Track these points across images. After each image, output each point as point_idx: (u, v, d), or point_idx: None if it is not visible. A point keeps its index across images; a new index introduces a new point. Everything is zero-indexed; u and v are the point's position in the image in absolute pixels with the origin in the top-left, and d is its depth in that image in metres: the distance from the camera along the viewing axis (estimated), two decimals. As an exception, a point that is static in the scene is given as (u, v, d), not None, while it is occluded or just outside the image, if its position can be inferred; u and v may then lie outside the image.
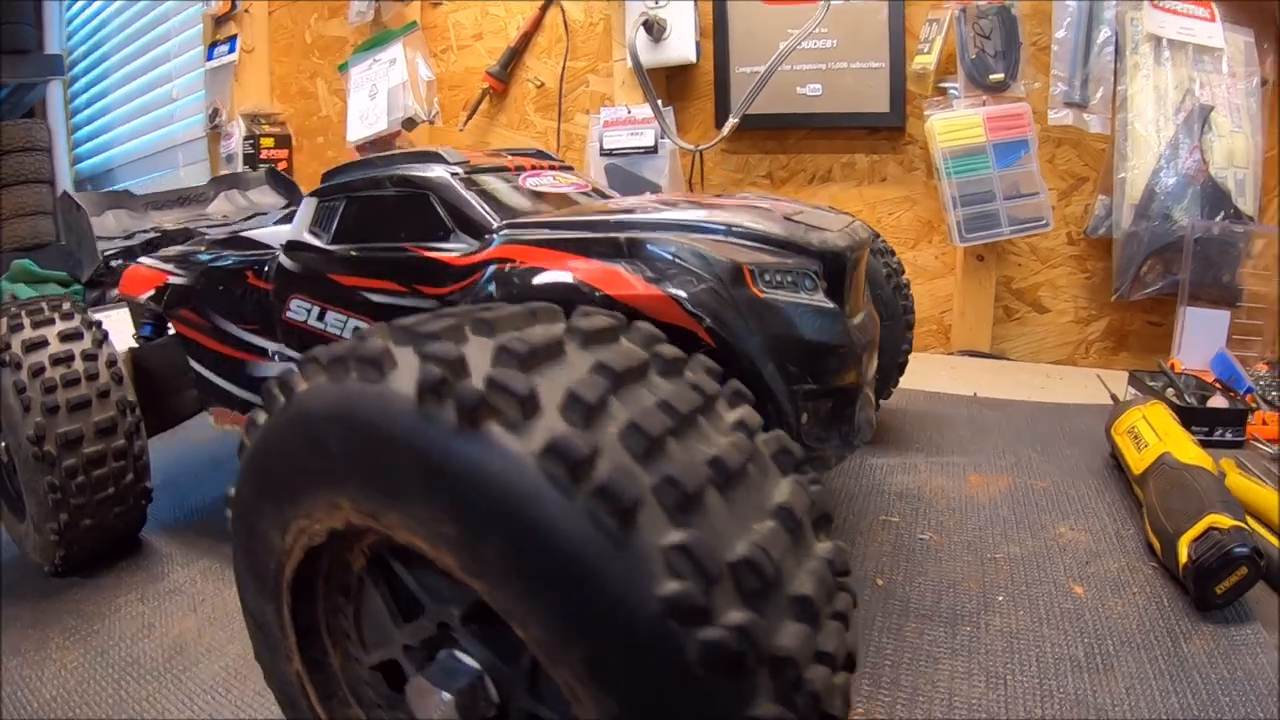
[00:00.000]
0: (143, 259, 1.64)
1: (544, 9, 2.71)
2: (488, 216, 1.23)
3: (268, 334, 1.41)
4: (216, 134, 2.99)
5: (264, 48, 3.03)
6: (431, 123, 2.79)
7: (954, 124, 2.06)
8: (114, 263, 1.80)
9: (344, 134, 3.06)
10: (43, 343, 1.35)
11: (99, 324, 1.42)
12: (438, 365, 0.50)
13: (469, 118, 2.82)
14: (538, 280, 1.08)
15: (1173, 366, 1.95)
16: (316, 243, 1.36)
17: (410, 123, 2.75)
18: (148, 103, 3.52)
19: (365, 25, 2.84)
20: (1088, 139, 2.15)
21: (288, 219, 1.85)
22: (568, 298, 1.04)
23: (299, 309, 1.35)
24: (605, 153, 2.47)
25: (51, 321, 1.40)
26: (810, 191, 2.49)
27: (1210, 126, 1.99)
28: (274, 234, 1.49)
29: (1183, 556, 1.14)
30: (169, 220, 1.96)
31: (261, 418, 0.65)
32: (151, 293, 1.56)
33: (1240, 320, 1.99)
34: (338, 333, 1.30)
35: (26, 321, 1.38)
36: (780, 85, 2.34)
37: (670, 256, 1.03)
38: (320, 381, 0.58)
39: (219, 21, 2.96)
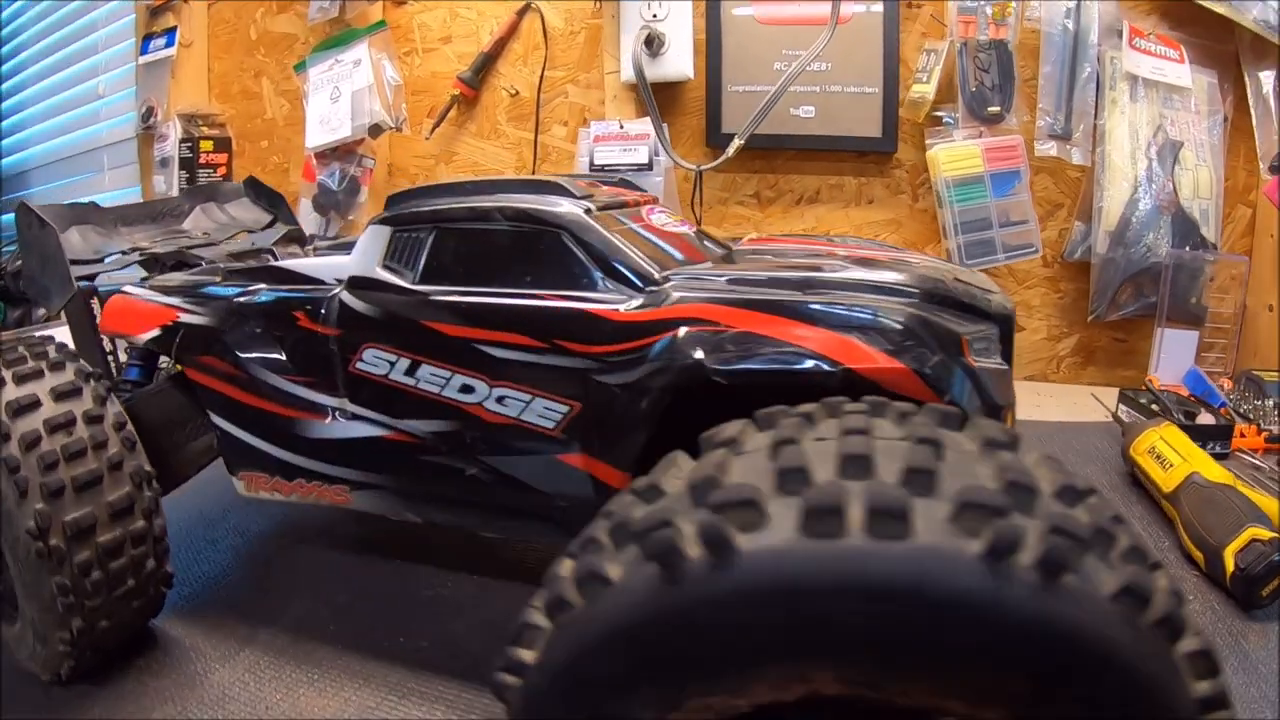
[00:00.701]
0: (130, 289, 1.42)
1: (521, 14, 2.62)
2: (645, 265, 1.13)
3: (324, 388, 1.25)
4: (149, 135, 2.72)
5: (203, 43, 2.78)
6: (399, 130, 2.65)
7: (956, 153, 2.15)
8: (100, 289, 1.60)
9: (291, 138, 2.87)
10: (33, 404, 1.10)
11: (98, 374, 1.22)
12: (991, 517, 0.47)
13: (436, 125, 2.69)
14: (765, 349, 0.98)
15: (1151, 383, 2.12)
16: (397, 281, 1.21)
17: (376, 129, 2.60)
18: (70, 99, 3.14)
19: (325, 23, 2.66)
20: (1064, 168, 2.29)
21: (342, 247, 1.69)
22: (804, 371, 0.99)
23: (376, 361, 1.20)
24: (596, 169, 2.42)
25: (39, 374, 1.15)
26: (798, 212, 2.53)
27: (1179, 161, 2.16)
28: (322, 266, 1.32)
29: (1229, 566, 1.31)
30: (143, 238, 1.74)
31: (611, 573, 0.55)
32: (155, 333, 1.34)
33: (1205, 340, 2.18)
34: (435, 390, 1.16)
35: (6, 376, 1.12)
36: (774, 105, 2.36)
37: (899, 325, 1.00)
38: (776, 540, 0.50)
39: (155, 12, 2.68)
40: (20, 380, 1.14)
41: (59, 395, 1.14)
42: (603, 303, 1.10)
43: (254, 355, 1.28)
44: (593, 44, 2.58)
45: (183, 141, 2.69)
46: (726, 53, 2.43)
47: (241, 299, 1.31)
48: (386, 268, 1.23)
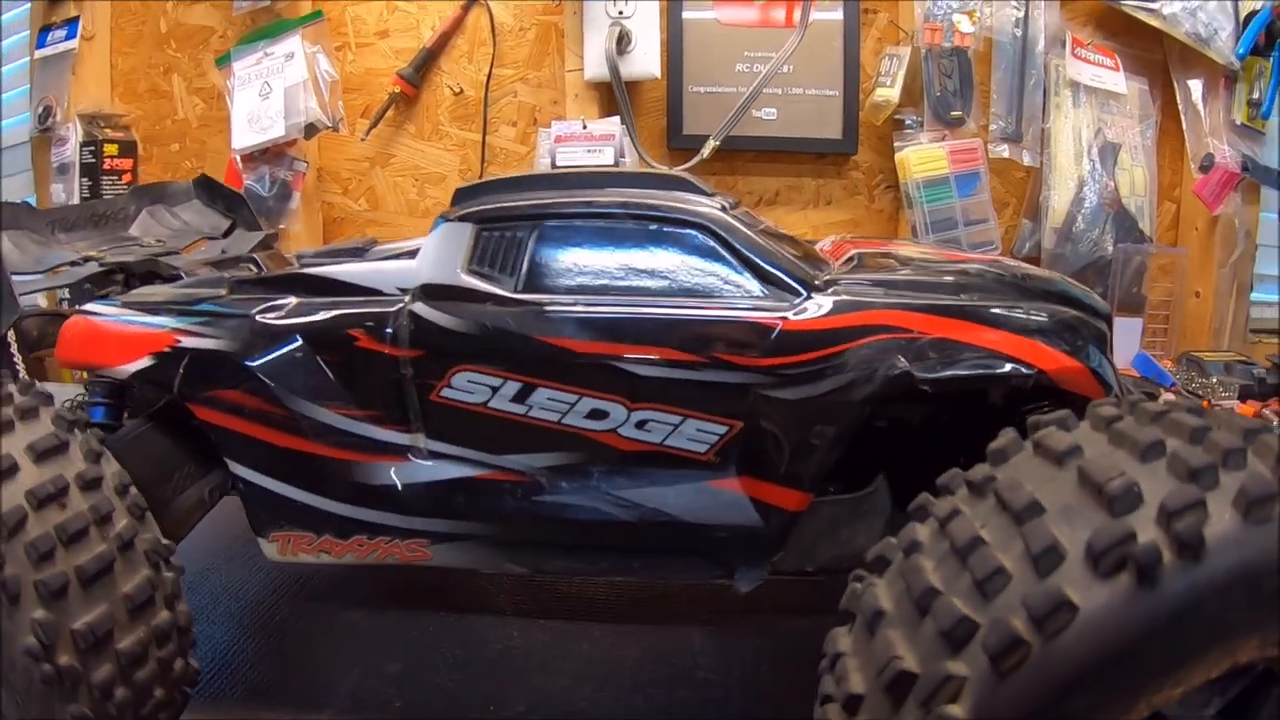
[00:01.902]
0: (97, 308, 1.18)
1: (466, 8, 2.49)
2: (802, 268, 1.04)
3: (392, 422, 1.07)
4: (46, 139, 2.39)
5: (106, 35, 2.47)
6: (336, 129, 2.46)
7: (924, 155, 2.22)
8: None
9: (206, 140, 2.61)
10: (9, 469, 0.84)
11: (81, 419, 0.98)
12: None
13: (373, 125, 2.52)
14: (967, 355, 0.96)
15: (1104, 370, 2.27)
16: (494, 289, 1.04)
17: (311, 129, 2.40)
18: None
19: (254, 13, 2.43)
20: (1012, 169, 2.41)
21: (335, 255, 1.50)
22: (1005, 374, 0.98)
23: (471, 386, 1.03)
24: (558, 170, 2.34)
25: (8, 426, 0.88)
26: (758, 213, 2.53)
27: (1118, 161, 2.32)
28: (371, 272, 1.12)
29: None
30: (86, 246, 1.49)
31: (1074, 599, 0.53)
32: (145, 363, 1.10)
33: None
34: (554, 418, 1.01)
35: None
36: (735, 107, 2.35)
37: (1070, 327, 1.01)
38: (1227, 530, 0.52)
39: (53, 0, 2.36)
40: None
41: (40, 454, 0.88)
42: (762, 310, 1.01)
43: (294, 386, 1.07)
44: (544, 41, 2.49)
45: (84, 145, 2.39)
46: (688, 53, 2.40)
47: (269, 316, 1.10)
48: (474, 273, 1.06)
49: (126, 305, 1.17)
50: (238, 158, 2.42)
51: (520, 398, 1.03)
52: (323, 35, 2.44)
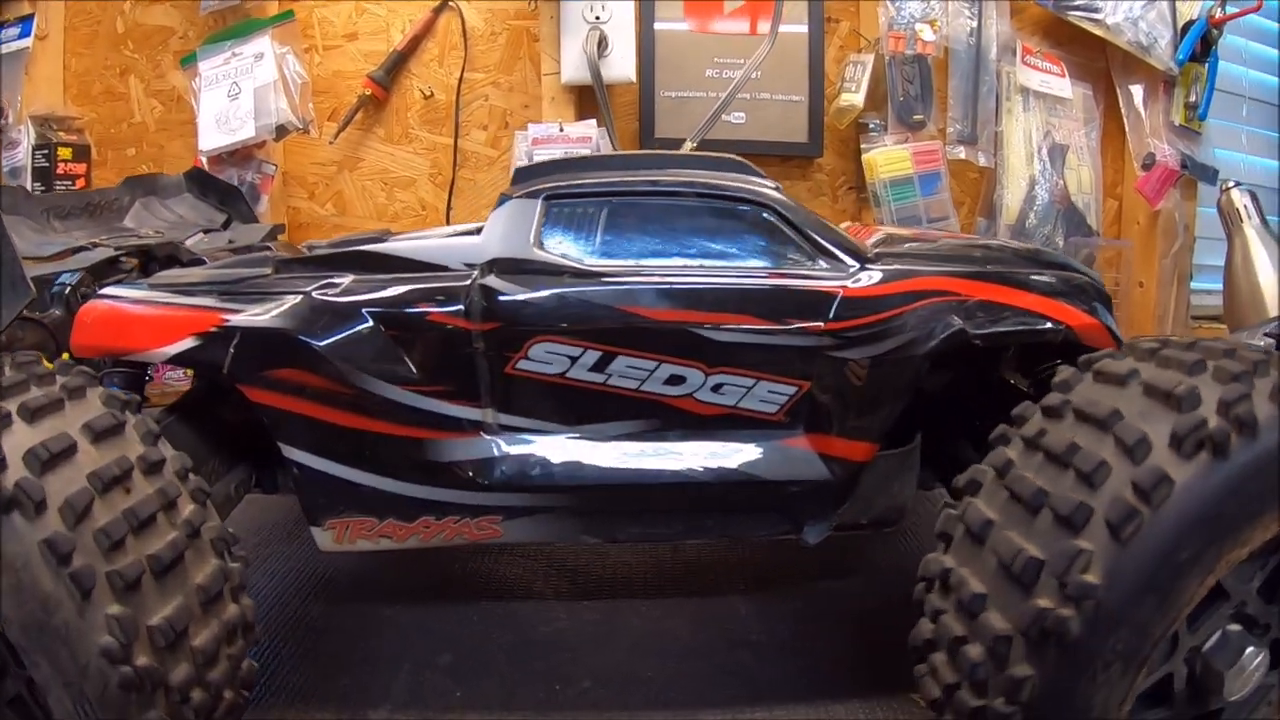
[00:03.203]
0: (117, 291, 1.13)
1: (438, 11, 2.49)
2: (854, 243, 1.13)
3: (463, 397, 1.07)
4: (-3, 141, 2.31)
5: (59, 35, 2.39)
6: (306, 131, 2.43)
7: (890, 157, 2.32)
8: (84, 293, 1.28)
9: (164, 144, 2.55)
10: (67, 449, 0.78)
11: (133, 399, 0.93)
12: None
13: (341, 128, 2.50)
14: (1009, 315, 1.07)
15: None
16: (569, 262, 1.07)
17: (282, 130, 2.37)
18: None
19: (220, 13, 2.38)
20: (966, 170, 2.52)
21: (347, 245, 1.47)
22: (1044, 330, 1.07)
23: (550, 357, 1.05)
24: (536, 173, 2.36)
25: (58, 405, 0.81)
26: (729, 213, 2.60)
27: (1065, 162, 2.46)
28: (432, 249, 1.12)
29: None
30: (83, 236, 1.43)
31: (1172, 474, 0.66)
32: (189, 344, 1.07)
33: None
34: (633, 385, 1.05)
35: (10, 409, 0.77)
36: (707, 113, 2.41)
37: (1087, 290, 1.12)
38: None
39: None
40: (33, 416, 0.78)
41: (98, 435, 0.82)
42: (824, 279, 1.08)
43: (360, 363, 1.06)
44: (515, 45, 2.52)
45: (37, 148, 2.30)
46: (660, 58, 2.46)
47: (328, 293, 1.08)
48: (547, 247, 1.09)
49: (156, 287, 1.14)
50: (204, 159, 2.37)
51: (600, 366, 1.06)
52: (292, 36, 2.41)
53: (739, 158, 1.21)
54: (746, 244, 1.10)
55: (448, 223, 2.55)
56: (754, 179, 1.16)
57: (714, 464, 1.09)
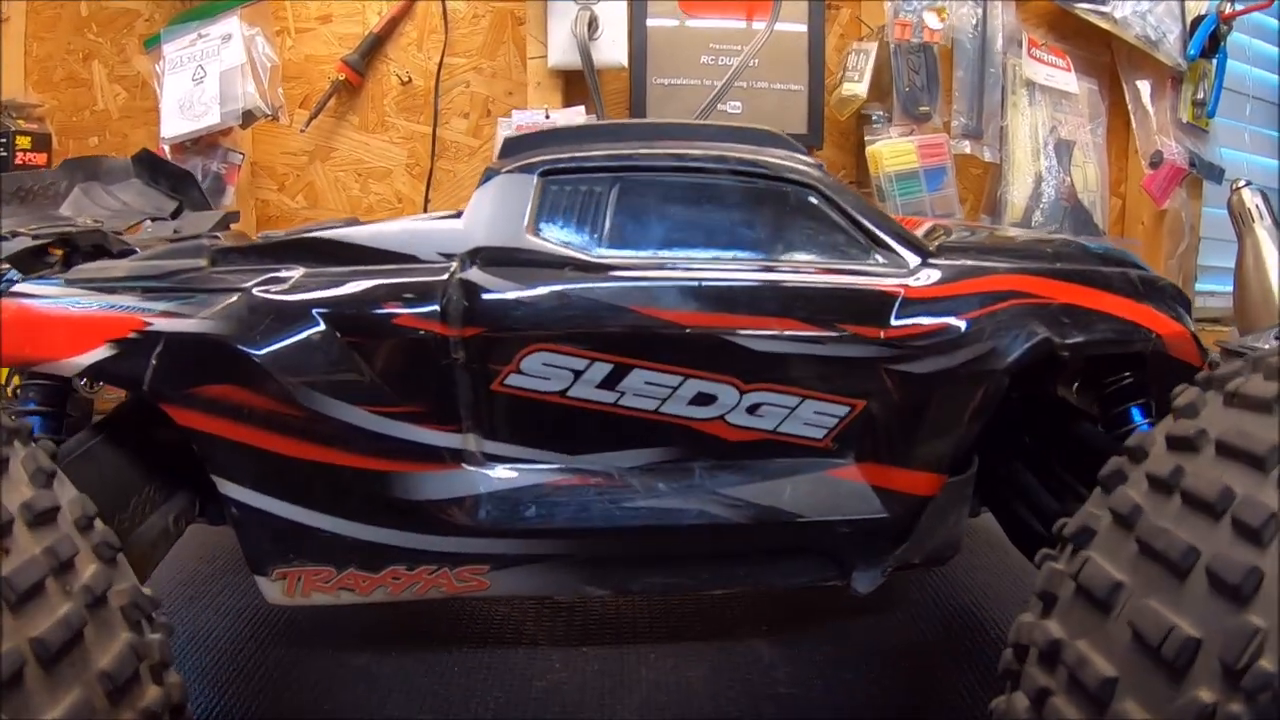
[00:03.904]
0: (28, 287, 0.96)
1: (417, -7, 2.36)
2: (914, 235, 0.96)
3: (443, 420, 0.89)
4: (-48, 128, 2.13)
5: (20, 19, 2.21)
6: (275, 118, 2.28)
7: (896, 149, 2.22)
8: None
9: (128, 133, 2.38)
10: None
11: (21, 428, 0.73)
12: None
13: (314, 115, 2.35)
14: (1099, 323, 0.93)
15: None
16: (572, 252, 0.89)
17: (249, 116, 2.22)
18: None
19: (184, -7, 2.23)
20: (970, 165, 2.44)
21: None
22: (1136, 341, 0.94)
23: (547, 370, 0.87)
24: (523, 163, 2.23)
25: None
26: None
27: (1072, 158, 2.39)
28: (405, 234, 0.93)
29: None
30: (12, 223, 1.26)
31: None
32: (104, 353, 0.89)
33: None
34: (650, 406, 0.87)
35: None
36: (701, 101, 2.29)
37: (1172, 294, 1.01)
38: None
39: None
40: None
41: (37, 519, 0.64)
42: (881, 276, 0.91)
43: (310, 378, 0.87)
44: (499, 29, 2.39)
45: (-5, 137, 2.14)
46: (652, 43, 2.34)
47: (272, 290, 0.89)
48: (541, 234, 0.90)
49: (72, 284, 0.96)
50: (166, 148, 2.21)
51: (610, 382, 0.88)
52: (262, 17, 2.26)
53: (774, 130, 1.05)
54: (789, 232, 0.93)
55: (427, 216, 2.42)
56: (796, 155, 1.00)
57: (748, 501, 0.93)
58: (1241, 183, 2.17)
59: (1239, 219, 2.18)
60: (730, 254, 0.93)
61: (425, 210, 2.40)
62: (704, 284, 0.90)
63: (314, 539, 0.91)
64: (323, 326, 0.88)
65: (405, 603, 1.00)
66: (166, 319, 0.89)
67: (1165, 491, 0.62)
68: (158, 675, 0.70)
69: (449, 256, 0.91)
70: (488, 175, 0.95)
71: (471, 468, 0.91)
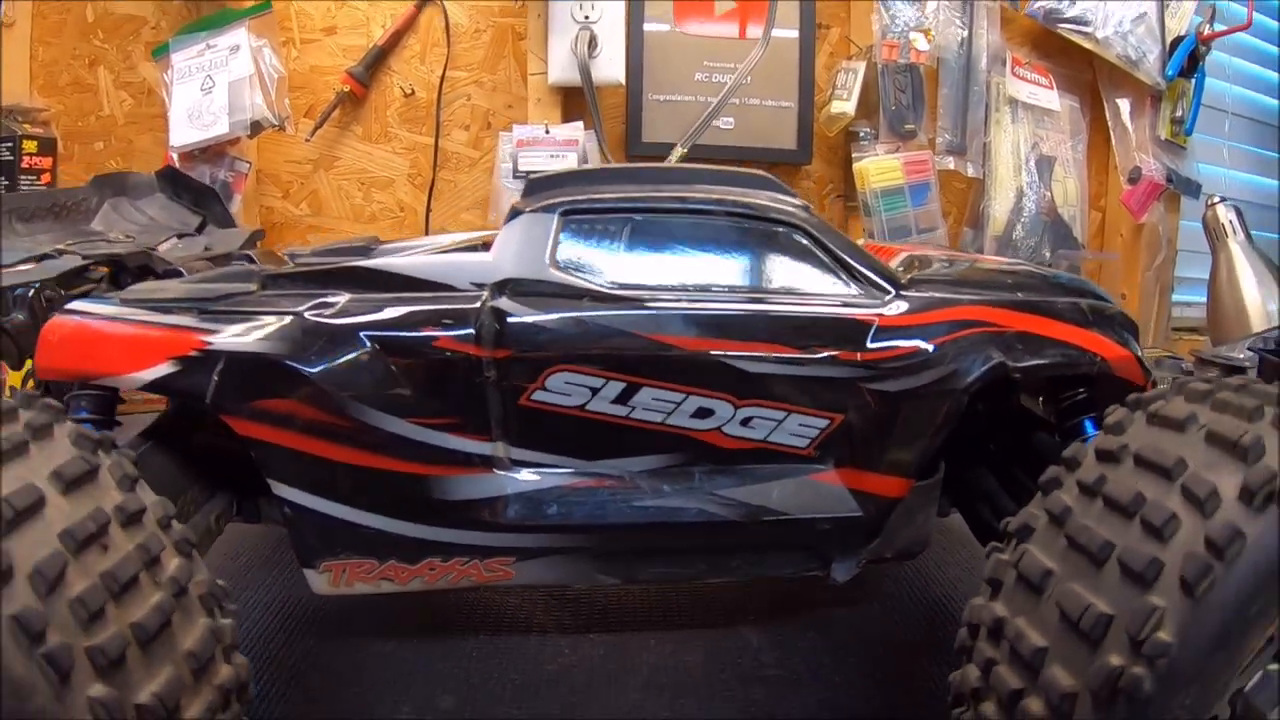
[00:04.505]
0: (84, 306, 1.03)
1: (419, 7, 2.42)
2: (888, 269, 1.08)
3: (472, 430, 1.00)
4: (-42, 131, 2.19)
5: (27, 23, 2.27)
6: (282, 128, 2.35)
7: (882, 166, 2.30)
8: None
9: (133, 139, 2.43)
10: (35, 504, 0.67)
11: (105, 439, 0.82)
12: None
13: (318, 125, 2.42)
14: (1048, 349, 1.04)
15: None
16: (589, 284, 1.01)
17: (257, 127, 2.28)
18: None
19: (195, 2, 2.29)
20: (953, 180, 2.52)
21: (338, 254, 1.40)
22: (1081, 363, 1.05)
23: (569, 388, 0.98)
24: (521, 175, 2.30)
25: (21, 448, 0.71)
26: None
27: (1052, 174, 2.47)
28: (434, 266, 1.04)
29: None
30: (49, 240, 1.29)
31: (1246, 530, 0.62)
32: (167, 369, 0.97)
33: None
34: (657, 418, 1.00)
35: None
36: (695, 117, 2.36)
37: (1119, 320, 1.09)
38: None
39: None
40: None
41: (69, 483, 0.72)
42: (858, 307, 1.04)
43: (359, 392, 0.97)
44: (500, 44, 2.46)
45: (1, 141, 2.19)
46: (648, 61, 2.41)
47: (323, 314, 0.99)
48: (566, 267, 1.02)
49: (128, 303, 1.04)
50: (175, 156, 2.27)
51: (623, 398, 1.00)
52: (270, 28, 2.32)
53: (767, 174, 1.16)
54: (779, 267, 1.06)
55: (427, 224, 2.49)
56: (784, 197, 1.11)
57: (741, 501, 1.04)
58: (1216, 199, 2.26)
59: (1214, 234, 2.27)
60: (727, 286, 1.05)
61: (427, 218, 2.47)
62: (705, 313, 1.01)
63: (360, 535, 1.02)
64: (370, 347, 0.98)
65: (422, 596, 1.08)
66: (226, 338, 0.99)
67: (1091, 495, 0.74)
68: (228, 656, 0.79)
69: (480, 286, 1.02)
70: (514, 214, 1.07)
71: (500, 472, 1.03)
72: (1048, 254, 2.43)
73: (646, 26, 2.39)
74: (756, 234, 1.06)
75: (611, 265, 1.04)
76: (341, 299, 1.02)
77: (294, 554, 1.05)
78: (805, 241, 1.06)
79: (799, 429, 1.03)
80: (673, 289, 1.03)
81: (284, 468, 0.99)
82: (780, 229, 1.06)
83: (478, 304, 1.00)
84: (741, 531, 1.06)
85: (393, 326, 1.00)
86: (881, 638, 1.31)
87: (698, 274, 1.05)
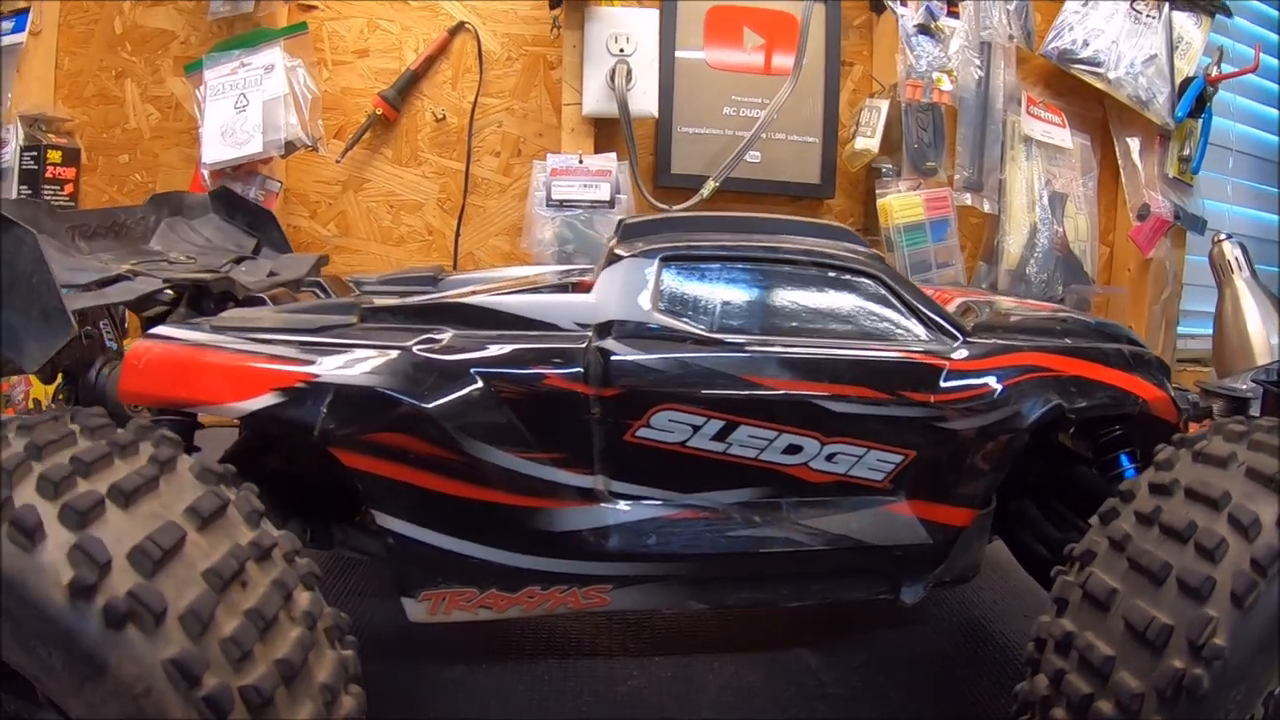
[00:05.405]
0: (173, 332, 1.03)
1: (453, 32, 2.45)
2: (955, 317, 1.17)
3: (577, 464, 1.04)
4: (-15, 141, 2.17)
5: (53, 32, 2.26)
6: (315, 149, 2.36)
7: (904, 202, 2.37)
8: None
9: (159, 153, 2.44)
10: (177, 543, 0.67)
11: (227, 472, 0.82)
12: None
13: (349, 146, 2.44)
14: (1098, 392, 1.13)
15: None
16: (690, 328, 1.07)
17: (290, 147, 2.29)
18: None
19: (228, 20, 2.29)
20: (968, 215, 2.59)
21: (402, 283, 1.42)
22: (1127, 405, 1.15)
23: (671, 425, 1.04)
24: (554, 204, 2.33)
25: (152, 482, 0.71)
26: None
27: (1065, 210, 2.55)
28: (545, 305, 1.09)
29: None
30: (110, 258, 1.23)
31: None
32: (271, 400, 0.97)
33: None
34: (752, 454, 1.06)
35: (100, 490, 0.67)
36: (723, 150, 2.42)
37: (1155, 364, 1.19)
38: None
39: None
40: (128, 499, 0.67)
41: (204, 520, 0.71)
42: (930, 351, 1.12)
43: (471, 428, 0.99)
44: (531, 72, 2.49)
45: (25, 150, 2.17)
46: (678, 94, 2.46)
47: (432, 350, 1.02)
48: (667, 311, 1.08)
49: (220, 330, 1.04)
50: (206, 173, 2.27)
51: (721, 436, 1.05)
52: (304, 48, 2.34)
53: (842, 225, 1.25)
54: (859, 314, 1.13)
55: (455, 249, 2.51)
56: (858, 247, 1.19)
57: (824, 530, 1.11)
58: (1223, 236, 2.35)
59: (1219, 270, 2.36)
60: (813, 331, 1.13)
61: (456, 243, 2.49)
62: (796, 357, 1.08)
63: (464, 565, 1.04)
64: (481, 384, 1.01)
65: (490, 623, 1.11)
66: (331, 370, 1.00)
67: (1148, 524, 0.86)
68: (348, 687, 0.79)
69: (584, 326, 1.07)
70: (613, 258, 1.12)
71: (604, 504, 1.07)
72: (1060, 288, 2.52)
73: (677, 59, 2.44)
74: (840, 283, 1.14)
75: (708, 309, 1.10)
76: (446, 334, 1.05)
77: (394, 582, 1.07)
78: (883, 290, 1.15)
79: (876, 463, 1.11)
80: (765, 333, 1.10)
81: (392, 500, 1.01)
82: (861, 279, 1.14)
83: (584, 344, 1.05)
84: (824, 559, 1.13)
85: (504, 364, 1.03)
86: (929, 656, 1.40)
87: (787, 319, 1.12)
